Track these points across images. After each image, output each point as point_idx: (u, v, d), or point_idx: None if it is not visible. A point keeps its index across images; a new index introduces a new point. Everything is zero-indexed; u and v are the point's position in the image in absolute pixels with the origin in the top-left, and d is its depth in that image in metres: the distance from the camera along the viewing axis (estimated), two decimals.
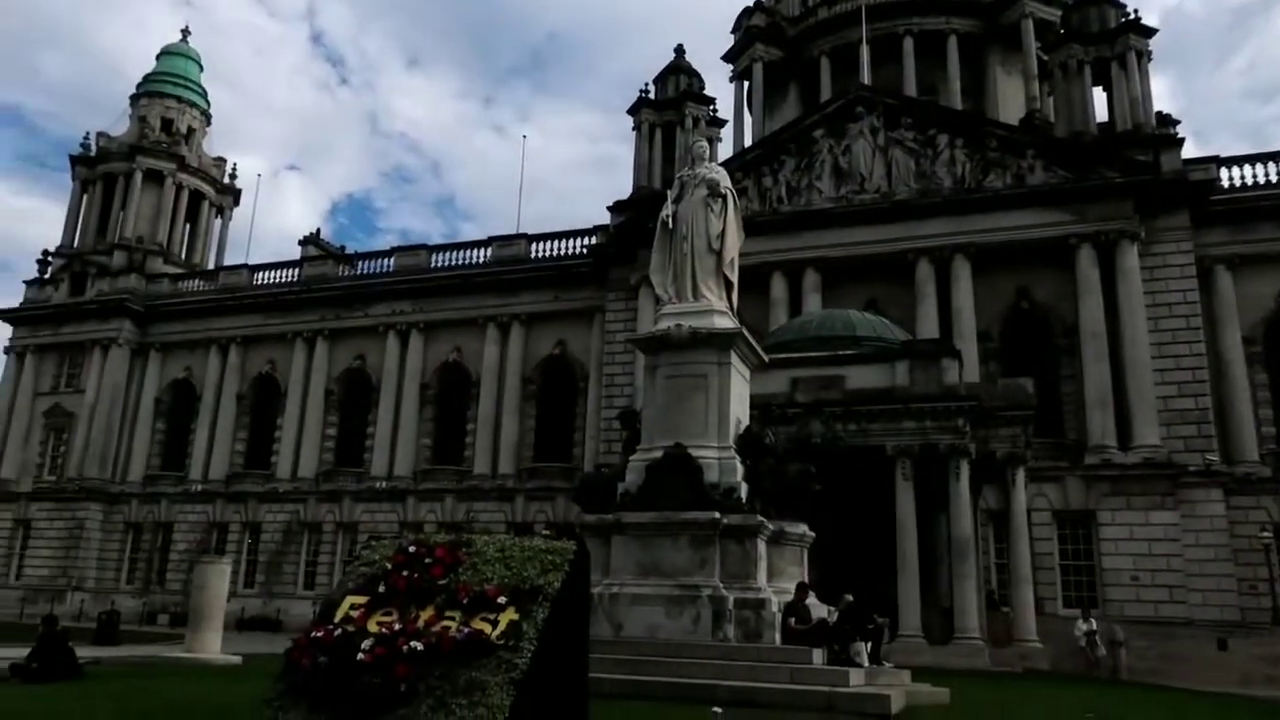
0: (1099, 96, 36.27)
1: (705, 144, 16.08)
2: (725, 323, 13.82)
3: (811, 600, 12.71)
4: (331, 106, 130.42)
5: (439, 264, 44.87)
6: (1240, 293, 32.44)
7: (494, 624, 6.77)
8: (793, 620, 12.06)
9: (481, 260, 43.85)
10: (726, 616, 11.93)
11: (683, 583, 12.35)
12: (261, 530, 43.27)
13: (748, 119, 50.92)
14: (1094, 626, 24.80)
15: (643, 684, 10.87)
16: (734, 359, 13.81)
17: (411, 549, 7.74)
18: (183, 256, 53.65)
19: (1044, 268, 33.34)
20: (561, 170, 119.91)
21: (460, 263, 44.47)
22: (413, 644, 6.64)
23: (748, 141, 46.23)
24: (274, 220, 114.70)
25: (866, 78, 41.24)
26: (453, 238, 77.09)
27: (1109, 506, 29.85)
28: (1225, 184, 33.65)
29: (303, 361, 45.09)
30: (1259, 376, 32.14)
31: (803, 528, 13.63)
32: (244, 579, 41.98)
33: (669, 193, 15.00)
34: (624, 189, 41.75)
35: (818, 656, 11.66)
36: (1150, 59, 35.62)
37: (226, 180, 56.34)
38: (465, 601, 7.02)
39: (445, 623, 6.87)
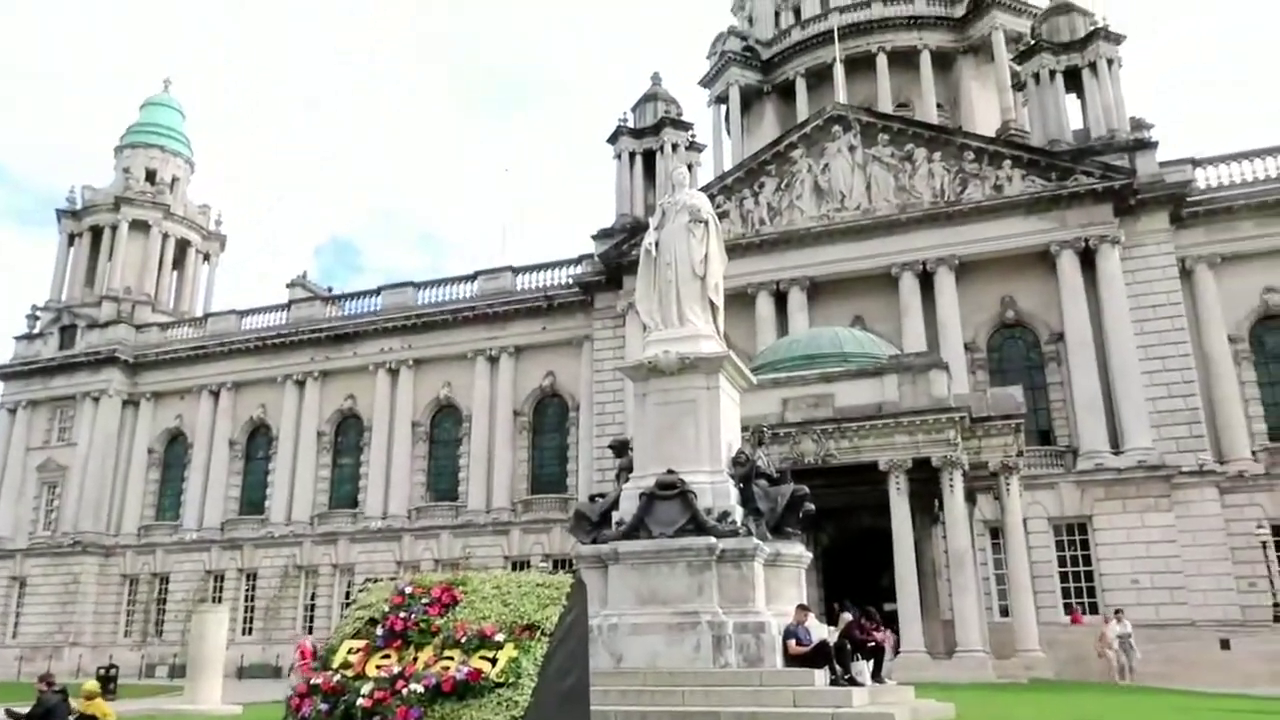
0: (1073, 105, 36.76)
1: (685, 170, 16.26)
2: (712, 347, 13.89)
3: (811, 621, 12.68)
4: (312, 145, 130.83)
5: (426, 300, 44.93)
6: (1224, 291, 32.61)
7: (493, 662, 6.79)
8: (793, 642, 12.04)
9: (468, 295, 43.95)
10: (727, 642, 11.89)
11: (681, 610, 12.31)
12: (258, 576, 42.97)
13: (726, 142, 51.38)
14: (1128, 629, 24.45)
15: (646, 714, 10.84)
16: (723, 382, 13.86)
17: (408, 590, 7.76)
18: (171, 304, 53.60)
19: (1027, 276, 33.63)
20: (544, 200, 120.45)
21: (447, 298, 44.57)
22: (412, 686, 6.66)
23: (727, 164, 46.57)
24: (260, 263, 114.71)
25: (842, 96, 41.66)
26: (438, 273, 77.30)
27: (1104, 511, 29.93)
28: (1202, 184, 34.01)
29: (294, 404, 45.00)
30: (1247, 374, 32.30)
31: (799, 548, 13.62)
32: (242, 626, 41.66)
33: (651, 220, 15.14)
34: (608, 216, 42.00)
35: (820, 678, 11.63)
36: (1121, 65, 36.07)
37: (212, 226, 56.40)
38: (464, 640, 7.04)
39: (444, 663, 6.88)
